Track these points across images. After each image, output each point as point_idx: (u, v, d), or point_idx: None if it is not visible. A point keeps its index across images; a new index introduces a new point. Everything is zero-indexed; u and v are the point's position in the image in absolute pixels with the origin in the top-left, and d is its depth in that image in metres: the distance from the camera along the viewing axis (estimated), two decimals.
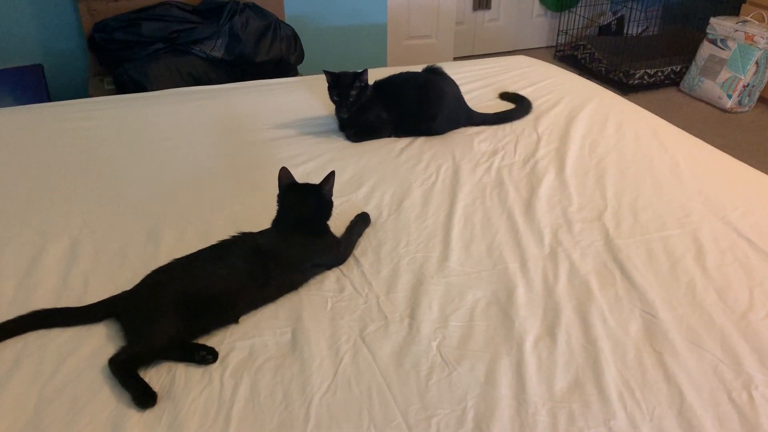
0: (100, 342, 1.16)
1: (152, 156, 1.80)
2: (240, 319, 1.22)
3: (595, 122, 1.96)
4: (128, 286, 1.23)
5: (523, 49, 5.15)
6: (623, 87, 4.24)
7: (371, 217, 1.52)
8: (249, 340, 1.18)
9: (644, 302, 1.25)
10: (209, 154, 1.82)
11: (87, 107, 2.11)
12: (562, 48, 4.97)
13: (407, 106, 1.88)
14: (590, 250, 1.41)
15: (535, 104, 2.06)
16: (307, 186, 1.39)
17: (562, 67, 2.50)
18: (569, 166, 1.72)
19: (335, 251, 1.37)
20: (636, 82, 4.24)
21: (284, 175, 1.40)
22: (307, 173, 1.69)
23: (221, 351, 1.15)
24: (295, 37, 2.91)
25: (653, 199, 1.58)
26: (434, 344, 1.16)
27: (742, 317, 1.21)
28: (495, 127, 1.95)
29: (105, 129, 1.95)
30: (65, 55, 3.00)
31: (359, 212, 1.52)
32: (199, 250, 1.29)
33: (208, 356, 1.13)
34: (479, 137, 1.89)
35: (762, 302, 1.25)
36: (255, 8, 2.82)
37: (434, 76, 1.93)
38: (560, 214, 1.53)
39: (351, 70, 1.90)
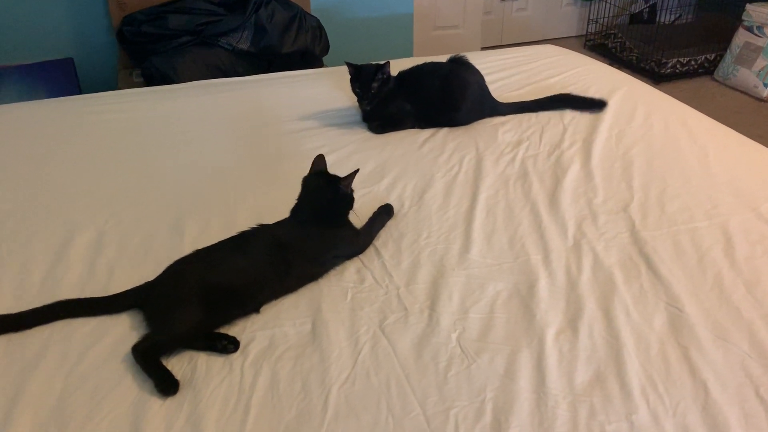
0: (123, 332, 1.18)
1: (178, 148, 1.82)
2: (261, 309, 1.23)
3: (622, 112, 1.92)
4: (152, 277, 1.25)
5: (552, 39, 5.08)
6: (655, 76, 4.16)
7: (395, 207, 1.51)
8: (270, 330, 1.18)
9: (669, 296, 1.22)
10: (233, 146, 1.83)
11: (114, 100, 2.14)
12: (592, 37, 4.89)
13: (430, 97, 1.87)
14: (615, 242, 1.38)
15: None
16: (328, 177, 1.38)
17: (592, 57, 2.45)
18: (595, 157, 1.69)
19: (353, 242, 1.37)
20: (668, 71, 4.16)
21: (317, 162, 1.41)
22: (329, 165, 1.67)
23: (242, 340, 1.16)
24: (320, 29, 2.91)
25: (681, 191, 1.55)
26: (454, 336, 1.16)
27: None
28: (520, 117, 1.92)
29: (132, 121, 1.98)
30: (95, 49, 3.05)
31: (382, 204, 1.51)
32: (220, 241, 1.30)
33: (230, 345, 1.14)
34: (504, 127, 1.87)
35: None
36: (280, 0, 2.83)
37: (458, 66, 1.91)
38: (585, 206, 1.50)
39: (376, 60, 1.90)
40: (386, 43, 3.56)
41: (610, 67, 2.30)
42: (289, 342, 1.16)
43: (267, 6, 2.73)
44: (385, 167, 1.69)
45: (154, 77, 2.67)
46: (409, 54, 3.73)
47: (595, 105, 1.93)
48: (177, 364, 1.11)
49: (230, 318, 1.20)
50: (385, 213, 1.49)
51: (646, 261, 1.32)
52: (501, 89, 2.07)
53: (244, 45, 2.72)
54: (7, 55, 2.93)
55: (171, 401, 1.04)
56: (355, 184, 1.55)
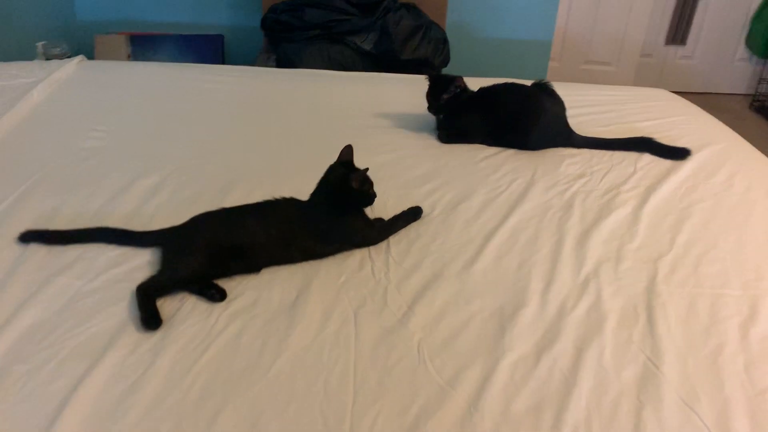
0: (141, 263, 1.33)
1: (259, 123, 1.99)
2: (262, 271, 1.33)
3: (706, 166, 1.80)
4: None
5: (715, 93, 4.76)
6: None
7: (425, 211, 1.55)
8: (258, 291, 1.28)
9: (654, 352, 1.15)
10: (307, 130, 1.96)
11: (232, 73, 2.36)
12: (761, 98, 4.50)
13: (504, 117, 1.87)
14: (627, 290, 1.32)
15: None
16: (344, 168, 1.44)
17: (758, 119, 2.27)
18: (651, 205, 1.61)
19: (362, 234, 1.42)
20: None
21: (344, 153, 1.48)
22: (382, 163, 1.76)
23: (232, 294, 1.26)
24: (443, 42, 2.98)
25: (727, 256, 1.43)
26: (417, 338, 1.18)
27: (760, 394, 1.07)
28: (594, 152, 1.86)
29: (237, 93, 2.18)
30: (244, 31, 3.35)
31: (414, 205, 1.55)
32: (245, 204, 1.42)
33: (217, 295, 1.25)
34: (572, 159, 1.82)
35: None
36: (411, 9, 2.94)
37: (539, 91, 1.90)
38: (614, 249, 1.44)
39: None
40: (517, 67, 3.55)
41: (717, 121, 2.14)
42: (270, 305, 1.25)
43: (396, 12, 2.86)
44: (433, 174, 1.72)
45: (283, 63, 2.89)
46: None
47: (677, 153, 1.82)
48: (168, 300, 1.24)
49: (230, 272, 1.31)
50: (411, 214, 1.53)
51: (649, 314, 1.25)
52: (587, 123, 2.02)
53: (367, 46, 2.87)
54: (167, 25, 3.31)
55: (143, 330, 1.16)
56: (398, 185, 1.62)
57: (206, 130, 1.92)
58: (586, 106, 2.14)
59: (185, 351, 1.13)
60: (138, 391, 1.05)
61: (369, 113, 2.05)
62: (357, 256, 1.40)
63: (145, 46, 3.28)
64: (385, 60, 2.88)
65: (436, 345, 1.17)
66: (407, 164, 1.77)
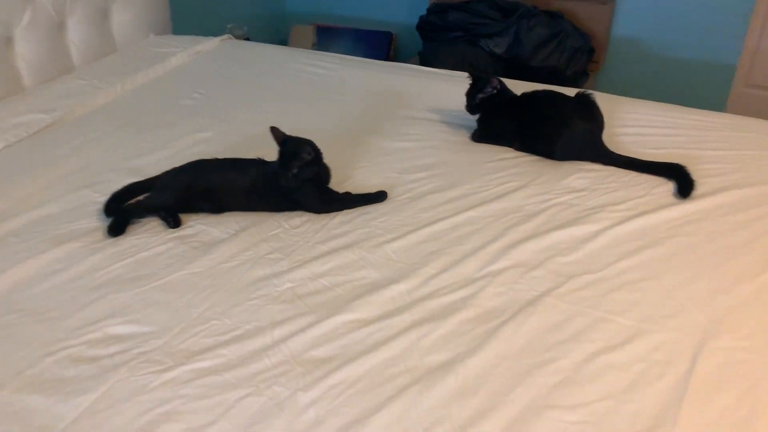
0: None
1: (330, 104, 2.21)
2: (224, 214, 1.59)
3: (735, 204, 1.57)
4: None
5: None
6: None
7: (399, 194, 1.65)
8: (206, 227, 1.54)
9: (470, 350, 1.16)
10: (358, 113, 2.12)
11: (342, 62, 2.62)
12: None
13: (532, 123, 1.85)
14: (515, 294, 1.29)
15: (699, 169, 1.72)
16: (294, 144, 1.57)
17: None
18: (626, 227, 1.49)
19: (311, 202, 1.58)
20: None
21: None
22: (397, 148, 1.88)
23: (185, 224, 1.55)
24: (583, 53, 2.90)
25: (659, 290, 1.30)
26: (289, 285, 1.34)
27: (545, 409, 1.03)
28: (616, 171, 1.74)
29: (329, 78, 2.42)
30: (411, 29, 3.60)
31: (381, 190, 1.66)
32: (232, 158, 1.68)
33: (171, 222, 1.55)
34: (586, 174, 1.73)
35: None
36: (553, 16, 2.91)
37: (575, 103, 1.83)
38: (542, 258, 1.40)
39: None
40: (689, 90, 3.22)
41: None
42: (205, 237, 1.50)
43: (531, 19, 2.86)
44: (435, 166, 1.79)
45: (423, 62, 3.09)
46: (718, 109, 3.30)
47: (682, 189, 1.64)
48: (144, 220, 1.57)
49: (198, 210, 1.60)
50: (375, 196, 1.63)
51: (510, 318, 1.23)
52: (636, 143, 1.86)
53: (499, 50, 2.92)
54: (344, 19, 3.72)
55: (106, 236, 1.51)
56: (394, 169, 1.77)
57: (280, 105, 2.19)
58: (650, 127, 1.98)
59: (116, 254, 1.44)
60: (63, 271, 1.39)
61: (424, 107, 2.14)
62: (305, 216, 1.58)
63: (327, 36, 3.72)
64: (514, 65, 2.90)
65: (297, 294, 1.31)
66: (419, 154, 1.86)
